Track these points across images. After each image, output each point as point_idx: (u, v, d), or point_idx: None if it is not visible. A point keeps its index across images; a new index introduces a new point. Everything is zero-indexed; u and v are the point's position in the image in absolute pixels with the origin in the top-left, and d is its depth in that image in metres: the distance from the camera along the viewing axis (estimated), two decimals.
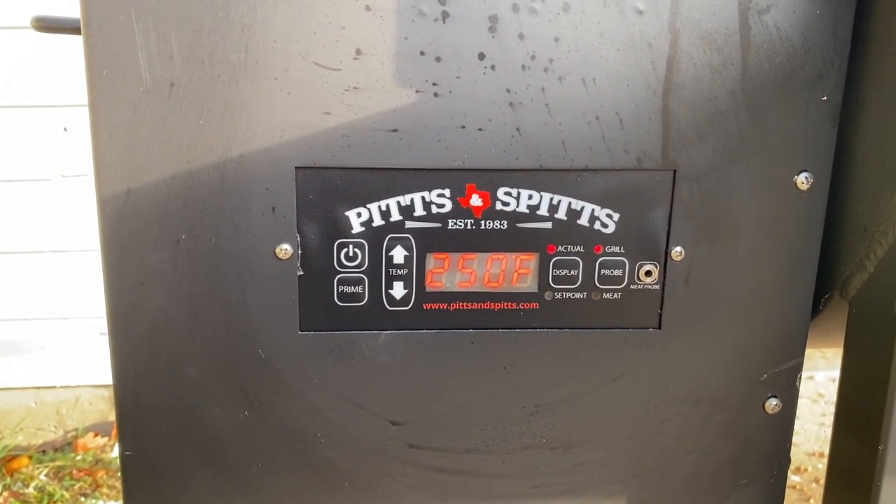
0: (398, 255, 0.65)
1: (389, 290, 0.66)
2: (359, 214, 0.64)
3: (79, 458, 2.37)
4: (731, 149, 0.65)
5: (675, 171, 0.65)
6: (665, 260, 0.67)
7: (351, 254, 0.65)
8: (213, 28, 0.59)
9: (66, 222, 2.22)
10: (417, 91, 0.61)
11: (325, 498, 0.70)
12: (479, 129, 0.62)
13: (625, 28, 0.61)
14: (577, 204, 0.65)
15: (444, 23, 0.60)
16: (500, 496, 0.71)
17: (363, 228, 0.64)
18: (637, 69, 0.62)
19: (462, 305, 0.67)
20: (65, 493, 2.19)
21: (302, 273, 0.64)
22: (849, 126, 0.67)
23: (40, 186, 2.21)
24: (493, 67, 0.61)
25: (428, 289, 0.66)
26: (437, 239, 0.65)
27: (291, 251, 0.63)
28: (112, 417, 2.44)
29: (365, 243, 0.64)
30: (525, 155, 0.63)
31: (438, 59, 0.61)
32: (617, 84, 0.62)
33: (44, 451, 2.42)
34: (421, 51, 0.60)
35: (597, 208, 0.66)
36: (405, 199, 0.64)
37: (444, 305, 0.67)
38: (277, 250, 0.63)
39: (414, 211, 0.64)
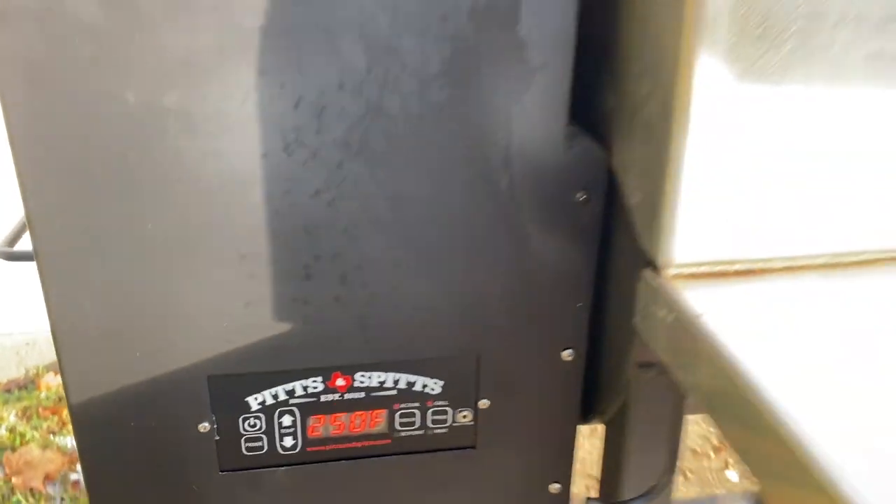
0: (286, 420, 0.92)
1: (282, 442, 0.93)
2: (256, 398, 0.90)
3: (43, 395, 2.66)
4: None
5: (478, 357, 0.92)
6: (475, 407, 0.96)
7: (252, 422, 0.92)
8: None
9: None
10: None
11: None
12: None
13: None
14: (413, 378, 0.93)
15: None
16: None
17: (260, 406, 0.91)
18: None
19: (335, 446, 0.95)
20: (34, 432, 2.49)
21: (218, 438, 0.91)
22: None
23: None
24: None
25: (310, 437, 0.94)
26: (315, 407, 0.92)
27: (209, 426, 0.90)
28: None
29: (262, 415, 0.91)
30: (374, 355, 0.90)
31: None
32: None
33: (9, 391, 2.69)
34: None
35: (427, 379, 0.93)
36: (289, 387, 0.90)
37: (324, 447, 0.95)
38: (200, 427, 0.90)
39: (295, 393, 0.91)
